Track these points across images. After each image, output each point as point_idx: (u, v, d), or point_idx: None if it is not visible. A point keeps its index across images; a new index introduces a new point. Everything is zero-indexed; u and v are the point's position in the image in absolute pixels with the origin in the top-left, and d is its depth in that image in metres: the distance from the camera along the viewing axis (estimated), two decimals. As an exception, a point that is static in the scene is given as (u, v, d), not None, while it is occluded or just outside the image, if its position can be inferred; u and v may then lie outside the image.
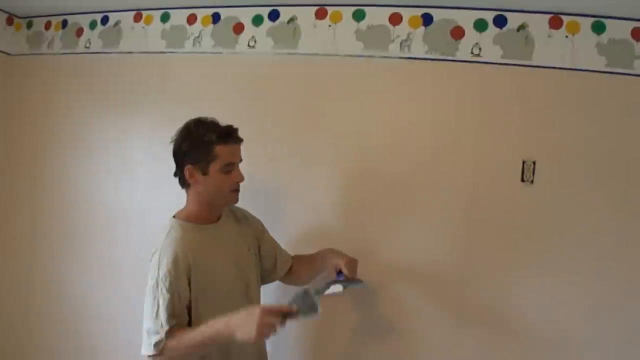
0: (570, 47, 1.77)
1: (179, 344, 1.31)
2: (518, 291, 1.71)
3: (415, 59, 1.83)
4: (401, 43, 1.84)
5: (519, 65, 1.78)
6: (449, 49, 1.82)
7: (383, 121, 1.86)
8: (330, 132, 1.89)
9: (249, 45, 1.95)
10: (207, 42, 2.00)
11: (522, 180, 1.74)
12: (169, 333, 1.31)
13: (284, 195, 1.93)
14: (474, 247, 1.76)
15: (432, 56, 1.82)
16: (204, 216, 1.51)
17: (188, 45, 2.02)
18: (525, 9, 1.78)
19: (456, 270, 1.76)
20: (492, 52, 1.79)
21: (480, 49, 1.80)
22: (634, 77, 1.74)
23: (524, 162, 1.74)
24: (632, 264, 1.65)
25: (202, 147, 1.44)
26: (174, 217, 1.52)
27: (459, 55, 1.81)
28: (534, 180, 1.73)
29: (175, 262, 1.38)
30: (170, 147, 1.49)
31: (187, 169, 1.45)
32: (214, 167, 1.44)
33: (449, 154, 1.80)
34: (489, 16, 1.80)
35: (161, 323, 1.32)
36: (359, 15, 1.87)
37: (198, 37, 2.01)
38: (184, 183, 1.50)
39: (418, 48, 1.83)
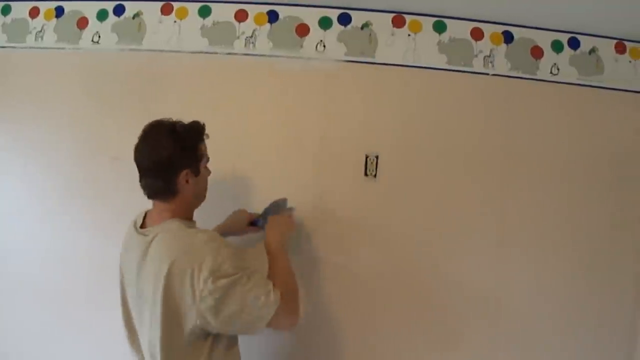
0: (413, 46, 1.78)
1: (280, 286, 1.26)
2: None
3: (261, 55, 1.79)
4: (246, 40, 1.80)
5: (363, 62, 1.77)
6: (295, 46, 1.79)
7: (228, 118, 1.80)
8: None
9: (92, 40, 1.86)
10: (50, 37, 1.89)
11: (366, 174, 1.72)
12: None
13: (127, 196, 1.80)
14: (319, 239, 1.72)
15: (278, 53, 1.79)
16: (191, 220, 1.38)
17: (30, 40, 1.90)
18: (369, 7, 1.78)
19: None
20: (336, 49, 1.78)
21: (324, 45, 1.78)
22: (473, 74, 1.78)
23: (367, 157, 1.72)
24: (468, 251, 1.72)
25: (192, 148, 1.34)
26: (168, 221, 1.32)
27: (304, 53, 1.79)
28: (377, 175, 1.71)
29: (226, 244, 1.25)
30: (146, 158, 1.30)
31: (184, 174, 1.31)
32: (202, 166, 1.37)
33: (293, 149, 1.76)
34: (333, 14, 1.80)
35: (264, 283, 1.23)
36: (204, 12, 1.82)
37: (40, 31, 1.89)
38: (171, 191, 1.31)
39: (263, 45, 1.79)
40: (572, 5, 1.67)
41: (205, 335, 1.22)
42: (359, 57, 1.77)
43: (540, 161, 1.78)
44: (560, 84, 1.80)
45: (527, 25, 1.80)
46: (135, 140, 1.77)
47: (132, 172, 1.77)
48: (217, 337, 1.25)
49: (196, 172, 1.35)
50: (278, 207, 1.61)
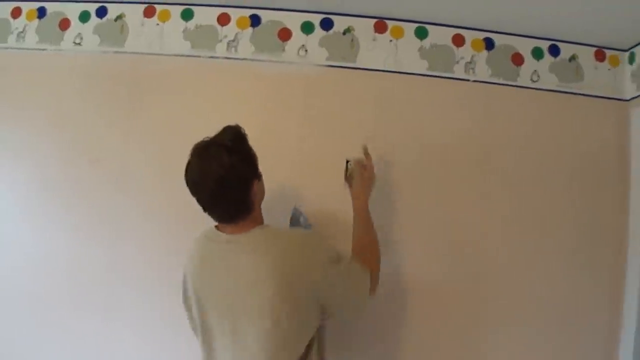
0: (394, 51, 1.78)
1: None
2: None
3: (243, 59, 1.80)
4: (229, 43, 1.80)
5: (344, 67, 1.78)
6: (277, 50, 1.80)
7: (209, 122, 1.77)
8: (157, 132, 1.80)
9: (75, 42, 1.85)
10: (32, 38, 1.88)
11: (346, 179, 1.71)
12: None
13: (107, 198, 1.80)
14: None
15: (260, 57, 1.79)
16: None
17: (11, 40, 1.89)
18: (352, 12, 1.79)
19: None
20: (318, 54, 1.79)
21: (306, 50, 1.79)
22: (454, 80, 1.79)
23: (347, 162, 1.72)
24: (444, 253, 1.75)
25: (249, 155, 1.29)
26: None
27: (285, 57, 1.79)
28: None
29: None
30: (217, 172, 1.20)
31: (254, 185, 1.26)
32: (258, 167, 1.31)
33: (274, 153, 1.74)
34: (315, 19, 1.80)
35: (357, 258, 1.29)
36: (187, 15, 1.82)
37: (22, 32, 1.88)
38: (248, 208, 1.25)
39: (245, 49, 1.80)
40: (552, 13, 1.68)
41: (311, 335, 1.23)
42: (341, 62, 1.78)
43: (521, 167, 1.79)
44: (541, 91, 1.81)
45: (508, 32, 1.81)
46: (117, 143, 1.81)
47: (112, 174, 1.80)
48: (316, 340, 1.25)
49: (259, 176, 1.29)
50: (297, 219, 1.61)
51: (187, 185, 1.23)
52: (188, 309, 1.35)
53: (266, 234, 1.23)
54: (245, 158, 1.25)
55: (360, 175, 1.52)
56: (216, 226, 1.30)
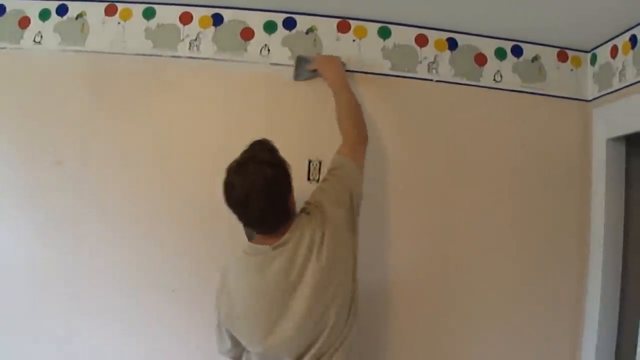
0: (357, 51, 1.78)
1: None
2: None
3: (205, 59, 1.78)
4: (191, 42, 1.79)
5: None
6: (240, 49, 1.79)
7: (171, 121, 1.79)
8: (119, 132, 1.78)
9: (34, 40, 1.82)
10: (-10, 37, 1.85)
11: (309, 179, 1.73)
12: None
13: (71, 200, 1.78)
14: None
15: (222, 56, 1.79)
16: None
17: (-31, 39, 1.86)
18: (314, 12, 1.78)
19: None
20: (281, 53, 1.79)
21: (269, 50, 1.78)
22: (417, 80, 1.80)
23: (310, 162, 1.72)
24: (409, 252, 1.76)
25: (286, 168, 1.34)
26: None
27: (248, 57, 1.78)
28: (320, 180, 1.71)
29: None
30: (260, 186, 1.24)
31: (292, 196, 1.34)
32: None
33: (237, 153, 1.72)
34: (278, 18, 1.80)
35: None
36: (149, 13, 1.80)
37: (-20, 30, 1.85)
38: (289, 217, 1.33)
39: (207, 48, 1.79)
40: (515, 14, 1.69)
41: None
42: (304, 62, 1.77)
43: (484, 166, 1.80)
44: (503, 91, 1.83)
45: (471, 32, 1.82)
46: (78, 144, 1.78)
47: (75, 177, 1.77)
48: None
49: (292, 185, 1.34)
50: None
51: (230, 204, 1.26)
52: (232, 329, 1.36)
53: (299, 218, 1.33)
54: (284, 169, 1.31)
55: (332, 62, 1.70)
56: (253, 241, 1.35)
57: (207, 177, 1.74)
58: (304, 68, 1.74)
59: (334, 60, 1.71)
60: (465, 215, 1.78)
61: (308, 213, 1.35)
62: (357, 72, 1.78)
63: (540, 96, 1.83)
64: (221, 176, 1.70)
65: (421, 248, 1.76)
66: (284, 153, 1.70)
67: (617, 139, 1.74)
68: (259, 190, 1.23)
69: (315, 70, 1.73)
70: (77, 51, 1.81)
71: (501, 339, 1.76)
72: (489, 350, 1.74)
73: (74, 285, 1.74)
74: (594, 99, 1.82)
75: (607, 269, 1.71)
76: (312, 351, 1.26)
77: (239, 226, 1.63)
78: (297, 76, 1.75)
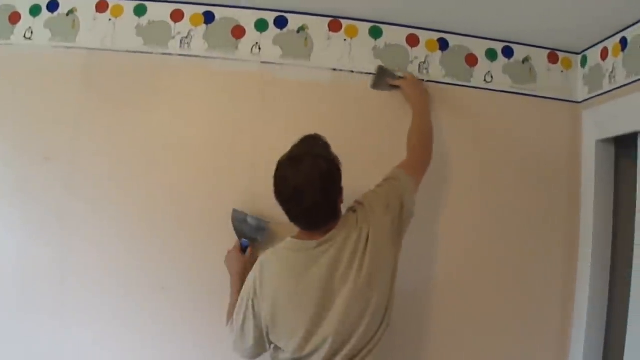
0: (348, 50, 1.78)
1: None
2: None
3: (196, 56, 1.78)
4: (182, 40, 1.78)
5: (298, 65, 1.78)
6: (231, 47, 1.79)
7: (162, 119, 1.78)
8: (108, 129, 1.78)
9: (25, 36, 1.82)
10: (-20, 32, 1.84)
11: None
12: None
13: (60, 196, 1.77)
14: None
15: (213, 54, 1.78)
16: None
17: (-41, 34, 1.85)
18: (306, 11, 1.78)
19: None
20: (272, 52, 1.78)
21: (260, 48, 1.78)
22: (408, 81, 1.78)
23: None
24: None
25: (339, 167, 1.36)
26: None
27: (239, 55, 1.78)
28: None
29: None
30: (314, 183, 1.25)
31: (342, 192, 1.35)
32: None
33: (228, 153, 1.76)
34: (269, 17, 1.80)
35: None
36: (140, 10, 1.80)
37: (-30, 26, 1.84)
38: (336, 216, 1.35)
39: (199, 46, 1.78)
40: (506, 15, 1.69)
41: None
42: (295, 61, 1.78)
43: (474, 166, 1.81)
44: (494, 92, 1.83)
45: (462, 33, 1.83)
46: (68, 140, 1.77)
47: (64, 173, 1.76)
48: None
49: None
50: (240, 221, 1.64)
51: (281, 198, 1.28)
52: (272, 328, 1.33)
53: (346, 217, 1.34)
54: (337, 165, 1.31)
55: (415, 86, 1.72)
56: (294, 237, 1.35)
57: (196, 174, 1.76)
58: (384, 80, 1.75)
59: (421, 85, 1.74)
60: (451, 215, 1.78)
61: (355, 211, 1.36)
62: (348, 71, 1.78)
63: (530, 97, 1.84)
64: (211, 173, 1.75)
65: (405, 243, 1.74)
66: (276, 152, 1.72)
67: (607, 141, 1.74)
68: (313, 184, 1.23)
69: (396, 86, 1.74)
70: (67, 47, 1.80)
71: (487, 338, 1.76)
72: (475, 350, 1.74)
73: (63, 281, 1.73)
74: (584, 100, 1.83)
75: (595, 269, 1.71)
76: (342, 353, 1.25)
77: (228, 222, 1.64)
78: (376, 85, 1.76)
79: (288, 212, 1.29)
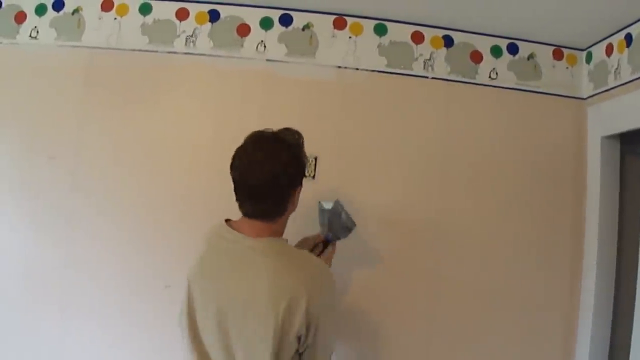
0: (353, 48, 1.79)
1: None
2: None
3: (201, 54, 1.78)
4: (187, 38, 1.79)
5: (303, 63, 1.79)
6: (236, 45, 1.79)
7: (167, 117, 1.79)
8: (114, 128, 1.78)
9: (31, 35, 1.82)
10: (-15, 31, 1.85)
11: (305, 175, 1.70)
12: None
13: (64, 195, 1.77)
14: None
15: (219, 52, 1.79)
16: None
17: (-35, 34, 1.86)
18: (311, 9, 1.78)
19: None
20: (277, 50, 1.78)
21: (265, 46, 1.78)
22: (413, 77, 1.80)
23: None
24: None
25: (304, 163, 1.26)
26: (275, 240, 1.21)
27: (244, 53, 1.79)
28: (316, 176, 1.74)
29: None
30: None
31: (297, 192, 1.22)
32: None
33: (232, 151, 1.72)
34: (274, 14, 1.80)
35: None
36: (145, 9, 1.80)
37: (-23, 25, 1.85)
38: (281, 211, 1.20)
39: (204, 44, 1.79)
40: (511, 11, 1.69)
41: None
42: (300, 58, 1.78)
43: (479, 163, 1.81)
44: (499, 88, 1.83)
45: (467, 30, 1.82)
46: (73, 139, 1.78)
47: (69, 172, 1.77)
48: None
49: (301, 185, 1.24)
50: (335, 213, 1.49)
51: (234, 169, 1.18)
52: (190, 313, 1.21)
53: (289, 254, 1.18)
54: (301, 162, 1.22)
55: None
56: (227, 221, 1.24)
57: (201, 172, 1.76)
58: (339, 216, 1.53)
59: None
60: (458, 212, 1.78)
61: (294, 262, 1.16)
62: (353, 69, 1.78)
63: (535, 94, 1.84)
64: (215, 171, 1.74)
65: (413, 243, 1.75)
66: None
67: (612, 137, 1.74)
68: (269, 168, 1.13)
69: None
70: (73, 46, 1.81)
71: (494, 336, 1.76)
72: (482, 348, 1.74)
73: (67, 279, 1.74)
74: (589, 97, 1.83)
75: (601, 266, 1.71)
76: None
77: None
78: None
79: (236, 189, 1.18)
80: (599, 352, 1.70)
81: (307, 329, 1.11)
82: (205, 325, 1.17)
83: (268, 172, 1.13)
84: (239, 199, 1.19)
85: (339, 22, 1.80)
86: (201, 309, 1.18)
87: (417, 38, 1.81)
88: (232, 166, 1.19)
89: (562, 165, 1.82)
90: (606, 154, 1.75)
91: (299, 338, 1.11)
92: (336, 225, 1.48)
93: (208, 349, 1.16)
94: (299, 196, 1.24)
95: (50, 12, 1.83)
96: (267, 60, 1.78)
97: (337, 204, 1.50)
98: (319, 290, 1.13)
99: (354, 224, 1.51)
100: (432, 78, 1.80)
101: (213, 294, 1.16)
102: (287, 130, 1.24)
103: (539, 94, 1.84)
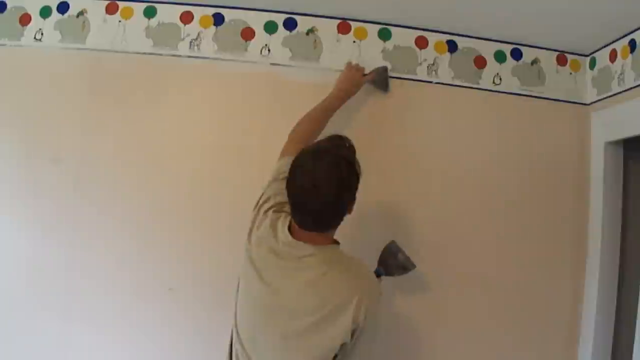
0: (357, 52, 1.79)
1: None
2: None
3: (206, 58, 1.79)
4: (191, 42, 1.79)
5: (307, 67, 1.79)
6: (240, 49, 1.79)
7: (171, 121, 1.79)
8: (118, 130, 1.79)
9: (35, 38, 1.82)
10: (-9, 34, 1.85)
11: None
12: None
13: (69, 197, 1.77)
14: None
15: (223, 56, 1.79)
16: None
17: (-31, 35, 1.86)
18: (315, 13, 1.79)
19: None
20: (281, 54, 1.79)
21: (269, 50, 1.79)
22: (417, 82, 1.81)
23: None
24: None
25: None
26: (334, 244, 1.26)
27: (248, 57, 1.79)
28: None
29: None
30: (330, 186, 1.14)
31: (352, 205, 1.22)
32: None
33: (237, 155, 1.76)
34: (278, 18, 1.80)
35: None
36: (150, 12, 1.80)
37: (-19, 27, 1.85)
38: (337, 223, 1.23)
39: (208, 48, 1.79)
40: (515, 17, 1.69)
41: None
42: (304, 62, 1.78)
43: (482, 168, 1.81)
44: (503, 94, 1.83)
45: (470, 35, 1.83)
46: (77, 142, 1.77)
47: (73, 173, 1.77)
48: None
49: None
50: (391, 253, 1.56)
51: (292, 188, 1.19)
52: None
53: (347, 263, 1.23)
54: (357, 172, 1.21)
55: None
56: (288, 228, 1.24)
57: (205, 175, 1.76)
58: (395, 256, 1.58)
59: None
60: (461, 218, 1.78)
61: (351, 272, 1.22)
62: (357, 73, 1.78)
63: (539, 99, 1.84)
64: (220, 175, 1.75)
65: (416, 248, 1.75)
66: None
67: (616, 143, 1.74)
68: (330, 183, 1.13)
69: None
70: (77, 49, 1.81)
71: (497, 340, 1.76)
72: (485, 349, 1.74)
73: (71, 281, 1.73)
74: (593, 102, 1.83)
75: (604, 271, 1.71)
76: None
77: (237, 224, 1.63)
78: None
79: (294, 205, 1.19)
80: (601, 352, 1.70)
81: (352, 335, 1.15)
82: (245, 319, 1.24)
83: (331, 196, 1.14)
84: (296, 215, 1.21)
85: (343, 27, 1.80)
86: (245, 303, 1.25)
87: (421, 43, 1.81)
88: (289, 182, 1.19)
89: (565, 170, 1.82)
90: (609, 159, 1.75)
91: (342, 344, 1.15)
92: (391, 264, 1.53)
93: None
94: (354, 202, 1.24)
95: (55, 15, 1.83)
96: (271, 64, 1.78)
97: (391, 244, 1.56)
98: (368, 299, 1.16)
99: (413, 266, 1.55)
100: (436, 83, 1.80)
101: (264, 292, 1.20)
102: (340, 139, 1.24)
103: (543, 100, 1.84)
